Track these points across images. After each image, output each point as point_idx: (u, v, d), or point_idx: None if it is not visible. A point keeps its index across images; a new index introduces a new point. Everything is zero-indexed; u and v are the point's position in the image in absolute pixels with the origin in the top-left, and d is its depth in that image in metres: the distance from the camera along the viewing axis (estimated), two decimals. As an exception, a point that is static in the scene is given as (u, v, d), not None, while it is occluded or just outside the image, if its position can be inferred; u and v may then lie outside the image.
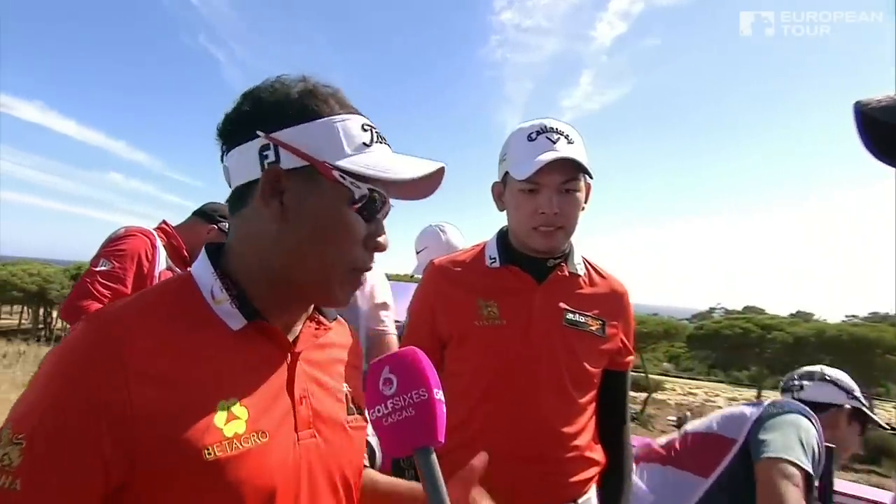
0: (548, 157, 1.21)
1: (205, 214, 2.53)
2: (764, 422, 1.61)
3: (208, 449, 0.59)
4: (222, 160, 0.73)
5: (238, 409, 0.63)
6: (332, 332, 0.82)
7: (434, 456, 0.62)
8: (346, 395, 0.80)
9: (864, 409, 1.79)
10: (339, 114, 0.70)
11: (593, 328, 1.33)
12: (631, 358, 1.44)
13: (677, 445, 1.82)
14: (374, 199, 0.70)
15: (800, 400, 1.77)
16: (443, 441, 0.62)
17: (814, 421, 1.59)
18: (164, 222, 2.47)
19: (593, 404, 1.36)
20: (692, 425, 1.87)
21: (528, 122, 1.33)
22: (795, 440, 1.49)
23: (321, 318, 0.80)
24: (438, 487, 0.60)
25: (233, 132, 0.71)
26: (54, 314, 35.71)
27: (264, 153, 0.67)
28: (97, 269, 2.13)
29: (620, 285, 1.43)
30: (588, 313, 1.34)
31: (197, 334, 0.65)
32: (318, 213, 0.68)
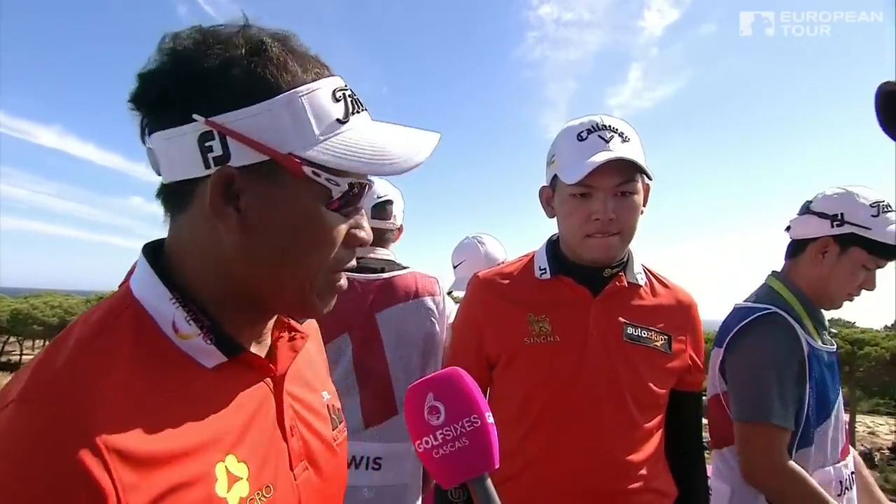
0: (600, 157, 1.19)
1: None
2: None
3: None
4: (143, 139, 0.60)
5: (237, 467, 0.56)
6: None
7: (490, 481, 0.62)
8: (328, 405, 0.76)
9: (860, 230, 1.45)
10: (304, 83, 0.58)
11: (658, 343, 1.30)
12: (703, 377, 1.39)
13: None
14: (354, 192, 0.61)
15: (792, 241, 1.62)
16: (497, 465, 0.62)
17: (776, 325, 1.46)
18: None
19: (660, 430, 1.32)
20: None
21: (578, 119, 1.32)
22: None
23: (292, 322, 0.72)
24: None
25: (156, 105, 0.58)
26: (76, 348, 37.27)
27: (206, 144, 0.55)
28: None
29: (687, 296, 1.40)
30: (651, 327, 1.31)
31: (167, 385, 0.54)
32: (286, 219, 0.58)
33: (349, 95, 0.61)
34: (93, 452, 0.45)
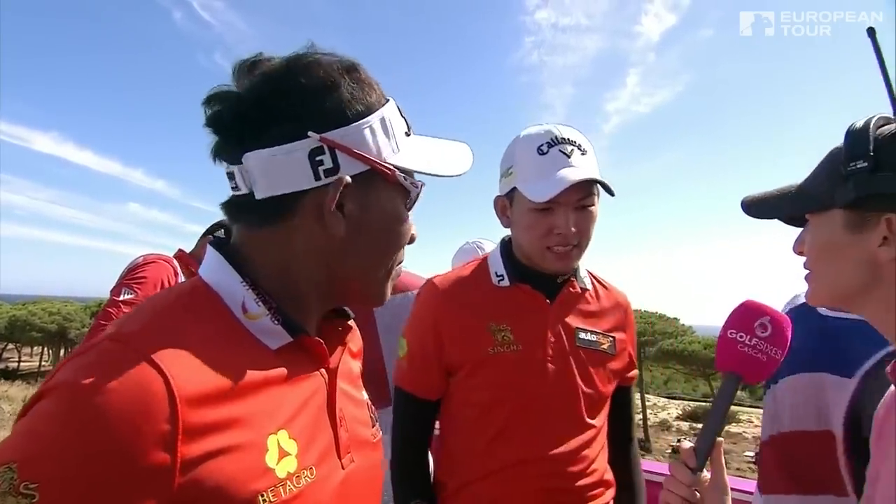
0: (570, 176, 1.21)
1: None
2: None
3: (263, 495, 0.54)
4: (219, 157, 0.65)
5: (287, 442, 0.59)
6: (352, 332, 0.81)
7: (738, 386, 0.85)
8: (367, 404, 0.80)
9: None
10: (383, 102, 0.68)
11: (604, 346, 1.36)
12: (636, 371, 1.47)
13: (771, 464, 1.29)
14: (419, 194, 0.72)
15: None
16: (754, 383, 0.87)
17: None
18: (181, 251, 2.59)
19: (604, 425, 1.40)
20: (770, 427, 1.30)
21: (533, 127, 1.31)
22: None
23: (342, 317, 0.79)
24: (724, 412, 0.84)
25: (261, 126, 0.62)
26: (74, 355, 36.94)
27: (317, 158, 0.61)
28: (119, 298, 2.20)
29: (623, 296, 1.47)
30: (599, 330, 1.37)
31: (234, 357, 0.58)
32: (381, 219, 0.68)
33: (402, 111, 0.72)
34: (170, 401, 0.49)
